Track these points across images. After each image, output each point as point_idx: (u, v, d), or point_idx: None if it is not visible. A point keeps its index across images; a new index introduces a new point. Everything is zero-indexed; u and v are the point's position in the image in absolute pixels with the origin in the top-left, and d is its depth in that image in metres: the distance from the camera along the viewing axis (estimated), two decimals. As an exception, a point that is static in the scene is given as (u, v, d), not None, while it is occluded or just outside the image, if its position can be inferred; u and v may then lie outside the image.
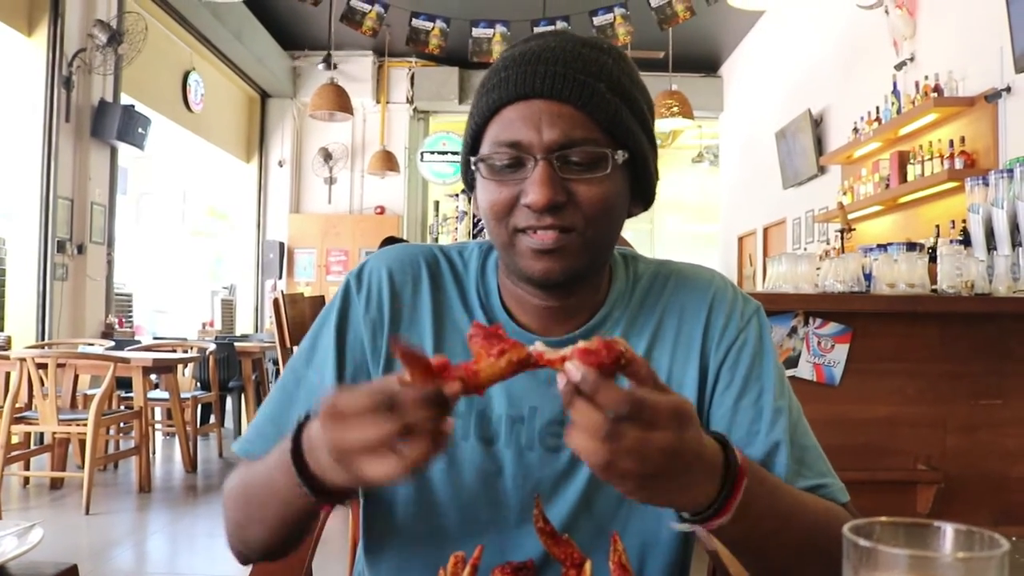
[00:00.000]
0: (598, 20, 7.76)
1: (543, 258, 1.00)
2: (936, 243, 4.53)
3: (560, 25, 7.84)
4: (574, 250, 1.00)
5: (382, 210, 12.10)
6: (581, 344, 0.73)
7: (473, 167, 1.04)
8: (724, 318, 1.12)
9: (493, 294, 1.13)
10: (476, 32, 7.94)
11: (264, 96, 12.16)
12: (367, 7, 7.64)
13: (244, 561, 1.08)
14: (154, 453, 6.60)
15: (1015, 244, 3.77)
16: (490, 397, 1.08)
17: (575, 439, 0.73)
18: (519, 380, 1.05)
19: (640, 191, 1.10)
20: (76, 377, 5.66)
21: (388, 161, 10.51)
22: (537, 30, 7.75)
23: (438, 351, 1.09)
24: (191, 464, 6.29)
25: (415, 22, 7.84)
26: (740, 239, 11.96)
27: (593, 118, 0.99)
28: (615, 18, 7.75)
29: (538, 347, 0.77)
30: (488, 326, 0.77)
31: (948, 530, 0.63)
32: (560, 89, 0.98)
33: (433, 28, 7.79)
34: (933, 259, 3.66)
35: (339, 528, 2.88)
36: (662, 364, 1.11)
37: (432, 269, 1.15)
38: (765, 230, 10.70)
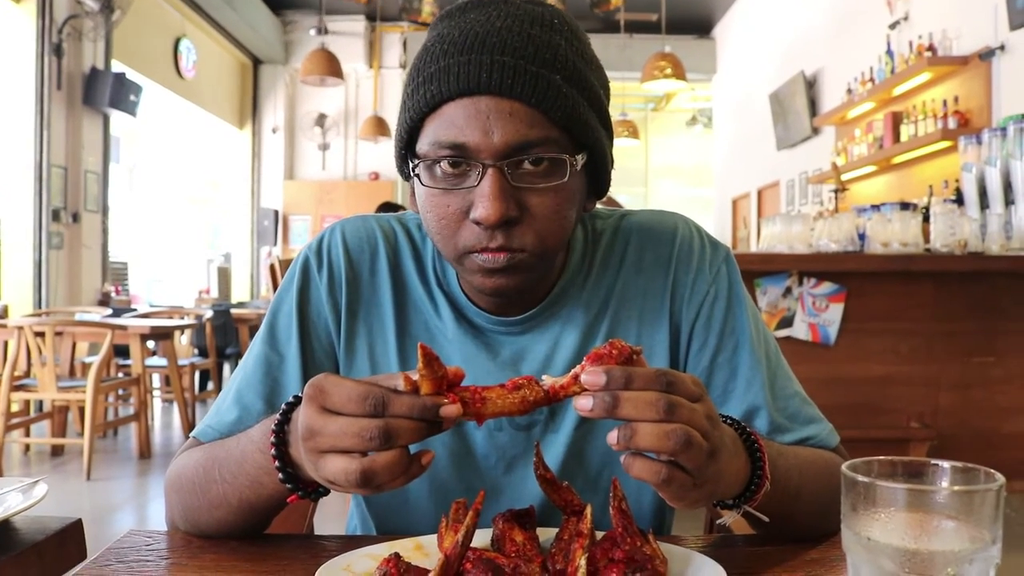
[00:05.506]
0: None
1: (494, 276, 0.93)
2: (929, 203, 4.54)
3: None
4: (526, 267, 0.93)
5: (376, 176, 12.05)
6: (587, 357, 0.72)
7: (412, 171, 0.94)
8: (692, 273, 1.06)
9: (450, 272, 1.06)
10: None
11: (256, 62, 12.05)
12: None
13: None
14: (153, 419, 6.62)
15: (1008, 202, 3.78)
16: None
17: (641, 439, 0.68)
18: (480, 365, 1.03)
19: (595, 185, 1.01)
20: (74, 345, 5.66)
21: (380, 127, 10.44)
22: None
23: (401, 332, 1.06)
24: (190, 429, 6.28)
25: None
26: (734, 201, 11.95)
27: (549, 116, 0.88)
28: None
29: (546, 381, 0.73)
30: (432, 352, 0.70)
31: (944, 466, 0.65)
32: (511, 85, 0.86)
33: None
34: (926, 219, 3.68)
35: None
36: (630, 328, 1.06)
37: (391, 243, 1.09)
38: (759, 192, 10.70)
